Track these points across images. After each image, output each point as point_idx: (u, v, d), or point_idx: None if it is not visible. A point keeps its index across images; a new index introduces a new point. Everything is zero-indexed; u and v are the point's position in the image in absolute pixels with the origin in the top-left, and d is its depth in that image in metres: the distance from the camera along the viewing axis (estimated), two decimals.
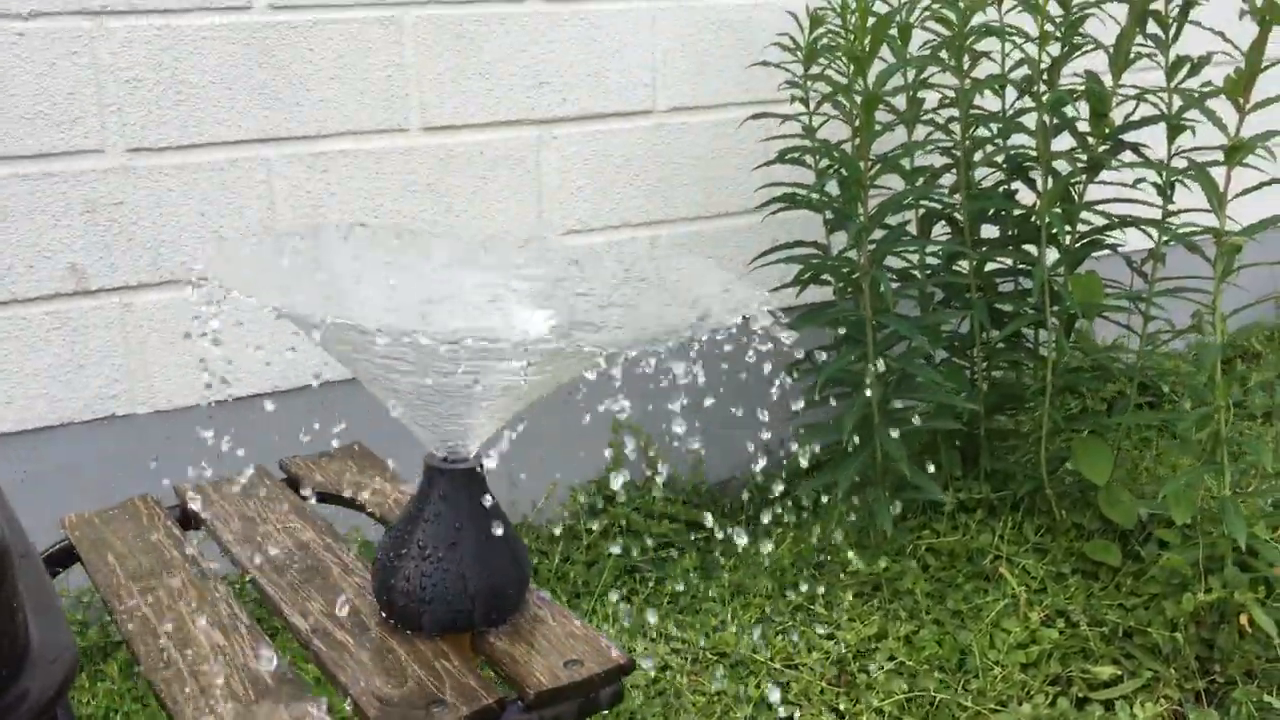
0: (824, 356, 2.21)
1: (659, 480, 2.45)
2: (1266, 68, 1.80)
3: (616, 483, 1.57)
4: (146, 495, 1.31)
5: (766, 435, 2.60)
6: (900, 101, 2.16)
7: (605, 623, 2.08)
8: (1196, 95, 1.90)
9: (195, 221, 2.01)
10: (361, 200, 2.12)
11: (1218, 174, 1.89)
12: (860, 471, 2.03)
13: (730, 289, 1.03)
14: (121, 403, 2.01)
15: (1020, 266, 2.23)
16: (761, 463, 2.62)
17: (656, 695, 1.85)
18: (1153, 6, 1.96)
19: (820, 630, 2.01)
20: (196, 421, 2.03)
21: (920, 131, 2.23)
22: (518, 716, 0.91)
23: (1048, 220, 2.03)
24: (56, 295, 1.94)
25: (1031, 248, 2.18)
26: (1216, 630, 1.95)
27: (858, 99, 1.85)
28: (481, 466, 1.02)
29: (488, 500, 0.99)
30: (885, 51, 2.10)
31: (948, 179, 2.19)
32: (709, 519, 2.34)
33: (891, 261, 2.21)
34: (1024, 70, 2.13)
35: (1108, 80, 2.07)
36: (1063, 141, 2.13)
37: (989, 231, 2.35)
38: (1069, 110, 2.07)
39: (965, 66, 2.10)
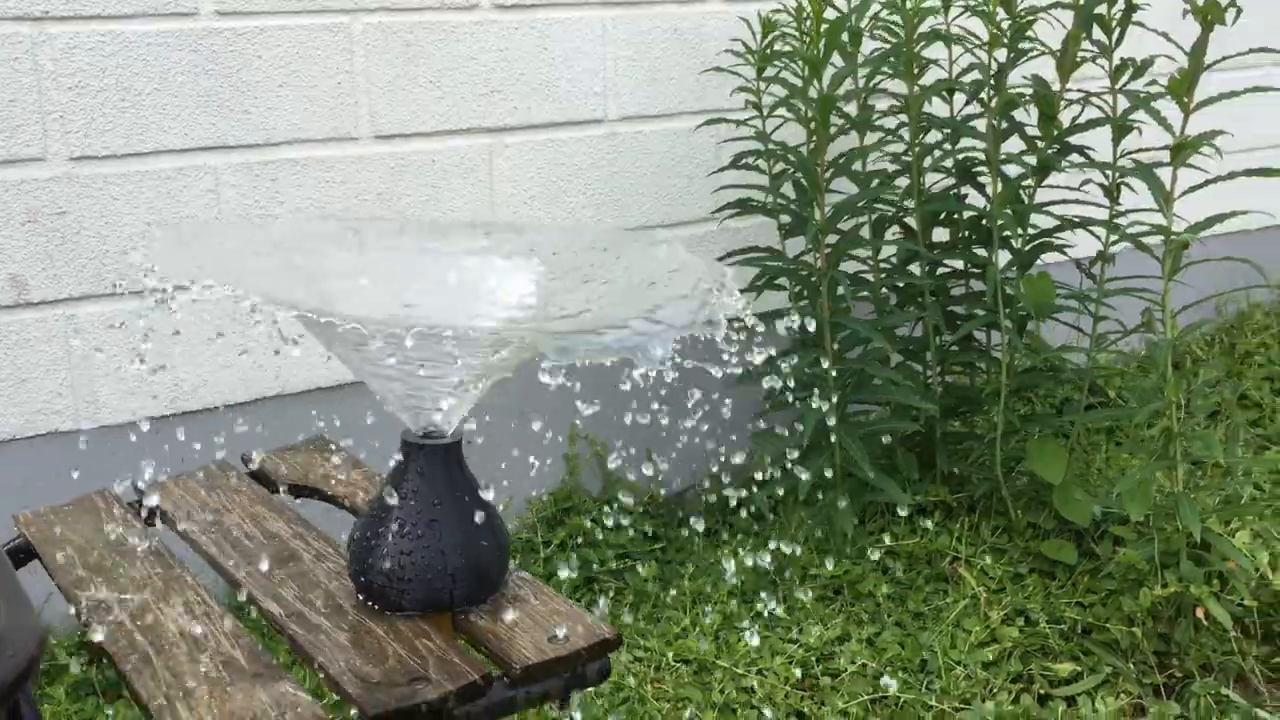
0: (783, 366, 2.21)
1: (619, 490, 2.43)
2: (1209, 66, 1.83)
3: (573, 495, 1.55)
4: (104, 490, 1.27)
5: (724, 444, 2.59)
6: (852, 108, 2.18)
7: None
8: (1142, 96, 1.93)
9: (141, 231, 1.96)
10: (312, 209, 2.09)
11: (1164, 174, 1.92)
12: (819, 475, 2.03)
13: (686, 265, 1.02)
14: (65, 418, 1.96)
15: (972, 270, 2.25)
16: (719, 471, 2.61)
17: (621, 702, 1.83)
18: (1097, 10, 1.99)
19: (783, 634, 2.00)
20: (144, 436, 1.99)
21: (872, 137, 2.24)
22: (504, 692, 0.89)
23: (999, 222, 2.05)
24: None
25: (983, 251, 2.20)
26: (1173, 625, 1.97)
27: (813, 101, 1.86)
28: (460, 442, 1.00)
29: (467, 476, 0.97)
30: (836, 59, 2.12)
31: (900, 184, 2.20)
32: (697, 525, 2.32)
33: (846, 267, 2.22)
34: (972, 76, 2.16)
35: (1055, 85, 2.10)
36: (1012, 145, 2.15)
37: (940, 236, 2.37)
38: (1018, 114, 2.09)
39: (915, 72, 2.12)
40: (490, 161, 2.25)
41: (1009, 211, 2.06)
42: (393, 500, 0.97)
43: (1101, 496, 2.20)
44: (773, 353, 2.26)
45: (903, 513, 2.17)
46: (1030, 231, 2.15)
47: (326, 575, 1.05)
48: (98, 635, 0.95)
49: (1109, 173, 2.09)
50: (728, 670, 1.91)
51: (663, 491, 2.52)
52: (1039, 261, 2.18)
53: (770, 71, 2.12)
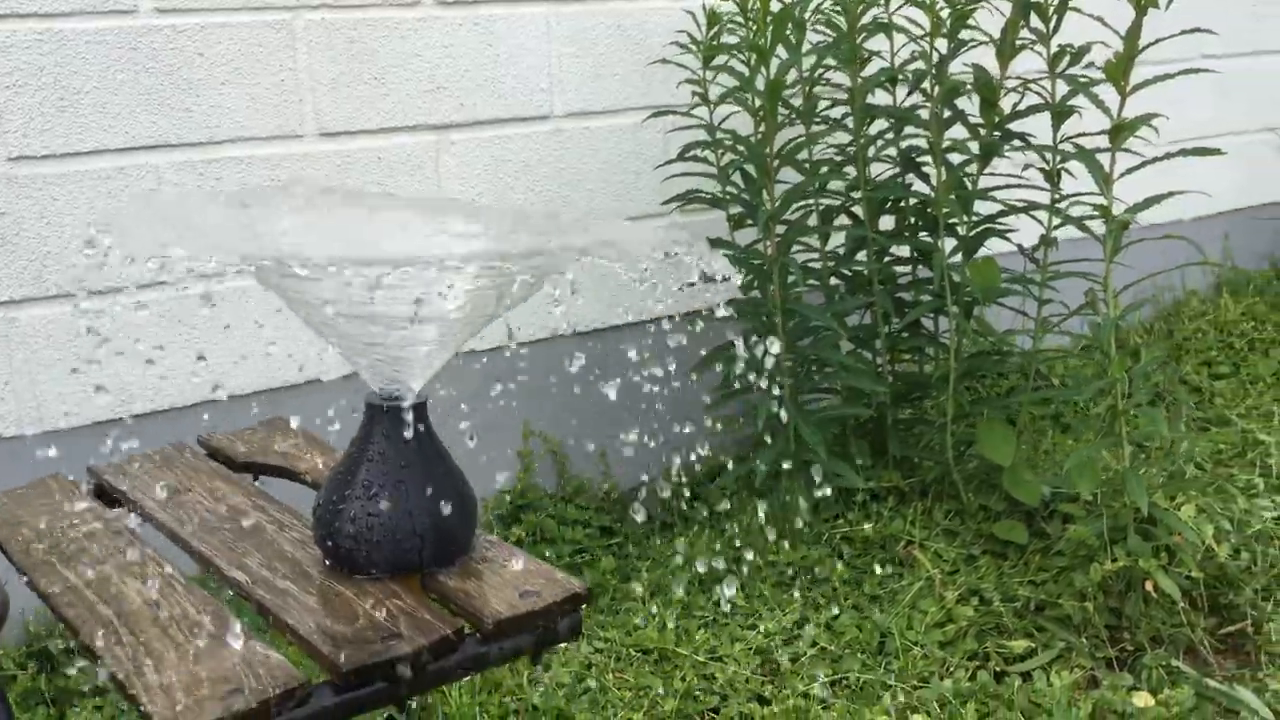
0: (737, 355, 2.22)
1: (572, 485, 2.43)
2: (1144, 49, 1.87)
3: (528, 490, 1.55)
4: (58, 474, 1.25)
5: (679, 437, 2.60)
6: (798, 99, 2.19)
7: None
8: (1082, 81, 1.97)
9: (81, 232, 1.93)
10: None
11: (1103, 157, 1.96)
12: (775, 462, 2.04)
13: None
14: (8, 423, 1.92)
15: (918, 257, 2.28)
16: (675, 464, 2.61)
17: (583, 693, 1.83)
18: None
19: (742, 621, 2.01)
20: (91, 440, 1.95)
21: (817, 128, 2.26)
22: (476, 648, 0.88)
23: (945, 209, 2.08)
24: None
25: (929, 238, 2.23)
26: (1123, 599, 2.00)
27: (760, 90, 1.88)
28: (426, 403, 0.99)
29: (433, 438, 0.96)
30: (781, 51, 2.14)
31: (847, 173, 2.23)
32: (642, 518, 2.32)
33: (795, 258, 2.24)
34: (914, 66, 2.19)
35: (996, 73, 2.13)
36: (955, 134, 2.18)
37: (886, 224, 2.39)
38: (960, 102, 2.12)
39: (858, 63, 2.15)
40: (437, 158, 2.24)
41: (954, 198, 2.09)
42: (358, 463, 0.96)
43: (1049, 477, 2.23)
44: (724, 344, 2.27)
45: (860, 494, 2.19)
46: (975, 218, 2.18)
47: (291, 544, 1.04)
48: (63, 613, 0.93)
49: (1049, 157, 2.13)
50: (688, 658, 1.91)
51: (619, 486, 2.52)
52: (984, 248, 2.22)
53: (716, 62, 2.13)
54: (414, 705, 0.89)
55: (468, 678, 1.30)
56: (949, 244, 2.17)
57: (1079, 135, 2.08)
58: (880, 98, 2.32)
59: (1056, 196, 2.14)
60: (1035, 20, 2.06)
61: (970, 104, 2.17)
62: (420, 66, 2.20)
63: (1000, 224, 2.18)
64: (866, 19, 2.13)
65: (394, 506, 0.96)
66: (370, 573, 0.98)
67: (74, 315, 1.94)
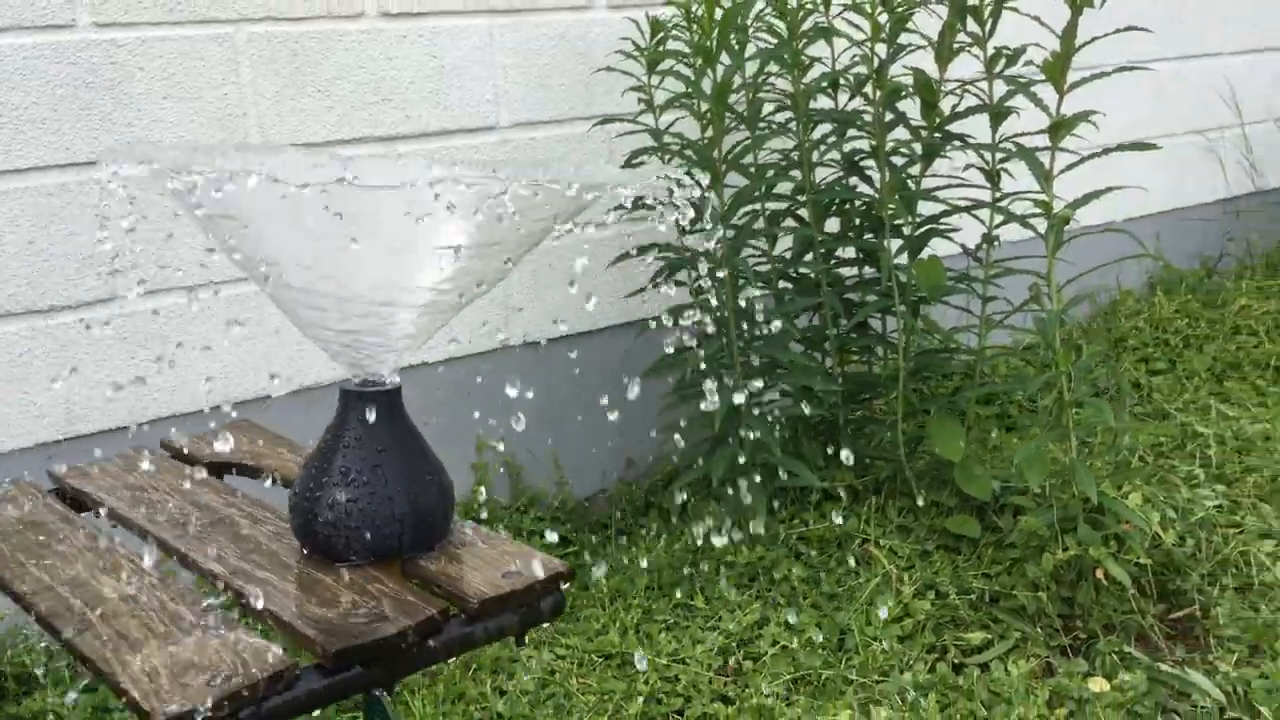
0: (691, 358, 2.24)
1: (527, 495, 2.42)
2: (1080, 47, 1.92)
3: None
4: (19, 479, 1.23)
5: (633, 444, 2.60)
6: (742, 105, 2.22)
7: None
8: (1021, 80, 2.01)
9: (23, 250, 1.90)
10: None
11: (1043, 156, 2.00)
12: (731, 465, 2.05)
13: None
14: None
15: (863, 258, 2.31)
16: (630, 470, 2.62)
17: (548, 699, 1.82)
18: (970, 2, 2.07)
19: (702, 623, 2.01)
20: (37, 463, 1.91)
21: (762, 134, 2.29)
22: (461, 628, 0.88)
23: (890, 210, 2.11)
24: None
25: (875, 239, 2.26)
26: (1075, 587, 2.04)
27: (706, 94, 1.90)
28: (400, 389, 0.99)
29: (408, 423, 0.96)
30: (724, 58, 2.16)
31: (794, 176, 2.25)
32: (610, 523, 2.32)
33: (744, 259, 2.26)
34: (856, 70, 2.22)
35: (936, 76, 2.17)
36: (896, 135, 2.22)
37: (832, 226, 2.42)
38: (902, 106, 2.16)
39: (799, 69, 2.18)
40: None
41: (898, 199, 2.12)
42: (334, 450, 0.95)
43: (998, 472, 2.27)
44: (676, 348, 2.29)
45: (814, 494, 2.21)
46: (919, 218, 2.21)
47: (267, 537, 1.03)
48: (39, 611, 0.91)
49: (988, 157, 2.17)
50: (651, 661, 1.91)
51: (574, 496, 2.52)
52: (928, 248, 2.25)
53: (661, 68, 2.15)
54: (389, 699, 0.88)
55: (453, 659, 1.28)
56: (894, 245, 2.20)
57: (1018, 135, 2.12)
58: (823, 102, 2.35)
59: (997, 195, 2.18)
60: (972, 24, 2.11)
61: (911, 106, 2.21)
62: (365, 78, 2.19)
63: (944, 224, 2.22)
64: (807, 25, 2.16)
65: (373, 492, 0.96)
66: (350, 560, 0.97)
67: (17, 335, 1.91)
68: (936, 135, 2.14)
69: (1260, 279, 3.59)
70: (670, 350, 2.23)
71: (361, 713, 0.96)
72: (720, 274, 1.97)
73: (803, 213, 2.29)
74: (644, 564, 2.18)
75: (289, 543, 1.03)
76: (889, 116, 2.18)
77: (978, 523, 2.18)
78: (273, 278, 0.89)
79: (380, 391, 0.99)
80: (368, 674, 0.84)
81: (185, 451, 1.25)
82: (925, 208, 2.23)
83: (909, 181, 2.17)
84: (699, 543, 2.20)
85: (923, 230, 2.21)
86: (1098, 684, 1.87)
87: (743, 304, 1.99)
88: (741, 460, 2.09)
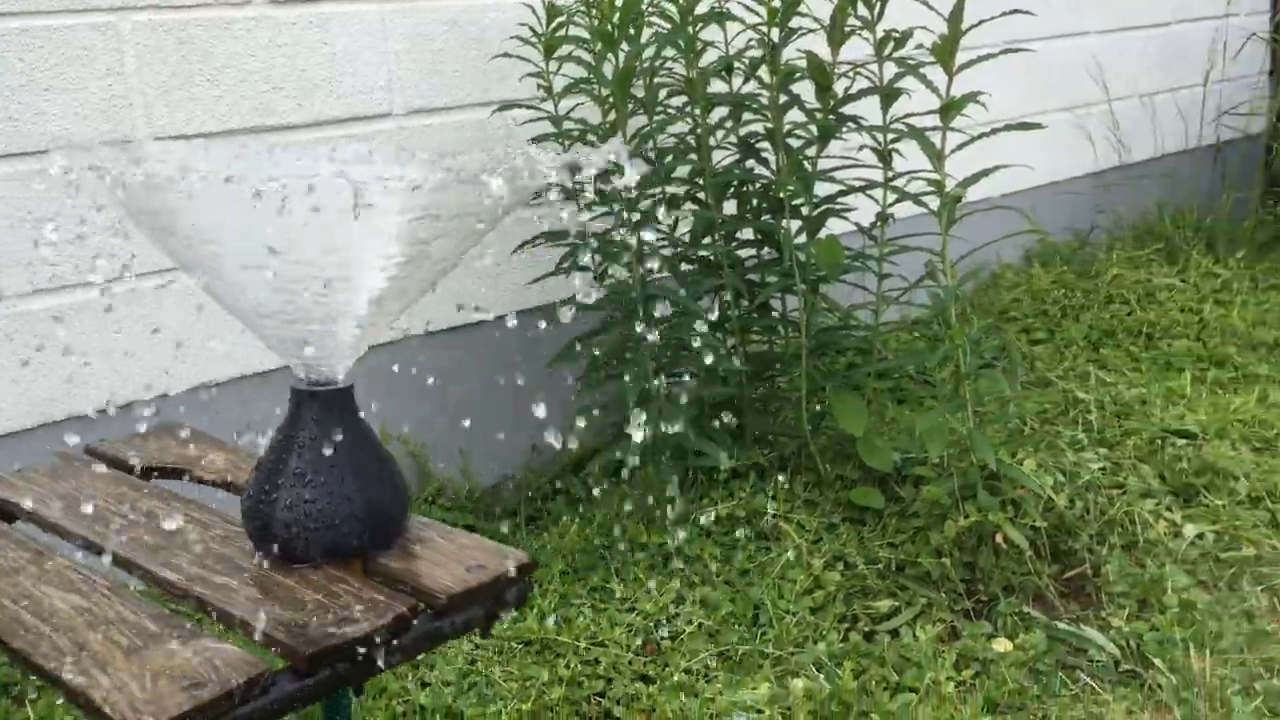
0: (599, 342, 2.24)
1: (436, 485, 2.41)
2: (967, 30, 1.98)
3: None
4: None
5: (541, 430, 2.60)
6: (639, 90, 2.23)
7: None
8: (910, 63, 2.06)
9: None
10: (92, 216, 1.99)
11: (935, 136, 2.06)
12: (645, 445, 2.07)
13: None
14: None
15: (762, 239, 2.35)
16: (534, 458, 2.62)
17: (470, 688, 1.82)
18: None
19: (619, 605, 2.03)
20: None
21: (662, 119, 2.31)
22: (430, 624, 0.88)
23: (790, 190, 2.15)
24: None
25: (774, 220, 2.30)
26: (976, 552, 2.11)
27: (607, 78, 1.90)
28: (352, 388, 0.98)
29: (361, 422, 0.95)
30: (624, 44, 2.17)
31: (692, 159, 2.28)
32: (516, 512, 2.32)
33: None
34: (750, 53, 2.25)
35: (829, 59, 2.22)
36: (791, 118, 2.26)
37: (730, 209, 2.46)
38: (795, 87, 2.20)
39: (695, 53, 2.20)
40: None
41: (796, 180, 2.16)
42: (287, 451, 0.94)
43: (897, 444, 2.33)
44: (584, 335, 2.29)
45: (722, 473, 2.24)
46: (816, 199, 2.26)
47: (218, 542, 1.01)
48: None
49: (880, 138, 2.23)
50: (570, 645, 1.93)
51: (481, 485, 2.51)
52: (825, 228, 2.30)
53: (560, 54, 2.15)
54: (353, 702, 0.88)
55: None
56: (793, 225, 2.24)
57: (908, 115, 2.18)
58: (717, 86, 2.37)
59: (889, 175, 2.24)
60: (863, 7, 2.16)
61: (805, 89, 2.25)
62: (255, 67, 2.14)
63: (840, 204, 2.27)
64: (702, 8, 2.18)
65: (331, 492, 0.95)
66: (309, 561, 0.96)
67: None
68: (831, 117, 2.19)
69: (1130, 250, 3.75)
70: (576, 336, 2.24)
71: (320, 708, 0.95)
72: (626, 258, 1.99)
73: (702, 195, 2.31)
74: (557, 549, 2.19)
75: (241, 545, 1.01)
76: (783, 99, 2.21)
77: (880, 494, 2.24)
78: (212, 275, 0.87)
79: (333, 390, 0.97)
80: (339, 675, 0.83)
81: (112, 456, 1.21)
82: (821, 188, 2.28)
83: (805, 163, 2.21)
84: (612, 526, 2.22)
85: (820, 210, 2.25)
86: (1001, 644, 1.94)
87: (648, 288, 2.01)
88: (650, 442, 2.11)
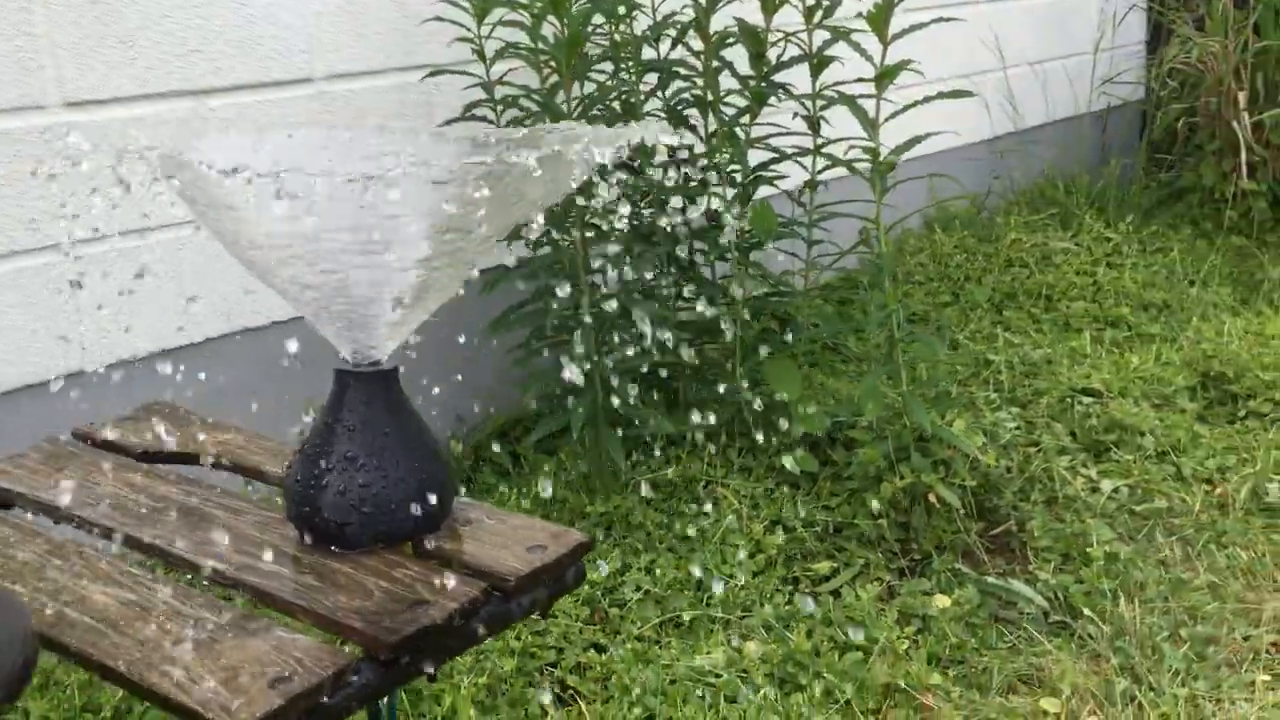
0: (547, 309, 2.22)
1: None
2: (900, 1, 2.00)
3: None
4: None
5: (477, 400, 2.57)
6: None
7: None
8: (842, 30, 2.08)
9: None
10: (1, 188, 1.89)
11: (869, 104, 2.08)
12: (588, 415, 2.06)
13: None
14: None
15: (691, 205, 2.35)
16: (460, 428, 2.59)
17: None
18: None
19: None
20: None
21: (589, 87, 2.28)
22: (499, 606, 0.86)
23: (727, 156, 2.15)
24: None
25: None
26: (910, 512, 2.17)
27: (549, 41, 1.88)
28: (398, 368, 0.95)
29: (406, 402, 0.92)
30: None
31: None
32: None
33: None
34: (677, 19, 2.24)
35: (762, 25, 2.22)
36: (725, 84, 2.26)
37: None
38: (726, 54, 2.20)
39: (623, 17, 2.18)
40: (195, 126, 2.11)
41: (731, 147, 2.16)
42: (333, 434, 0.91)
43: (828, 408, 2.37)
44: (521, 305, 2.26)
45: (659, 440, 2.25)
46: (748, 166, 2.27)
47: (254, 528, 0.97)
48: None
49: (810, 105, 2.25)
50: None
51: None
52: (756, 195, 2.31)
53: (490, 18, 2.11)
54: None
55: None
56: (728, 193, 2.25)
57: (837, 83, 2.20)
58: (646, 53, 2.36)
59: (820, 142, 2.26)
60: None
61: (735, 56, 2.25)
62: (171, 28, 2.05)
63: (770, 171, 2.28)
64: None
65: (384, 476, 0.92)
66: (360, 546, 0.93)
67: None
68: (763, 84, 2.20)
69: (1026, 214, 3.86)
70: (512, 305, 2.21)
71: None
72: (569, 225, 1.97)
73: (631, 162, 2.30)
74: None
75: (281, 532, 0.97)
76: (717, 65, 2.21)
77: (815, 458, 2.28)
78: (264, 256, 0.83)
79: (379, 372, 0.94)
80: (415, 662, 0.81)
81: (106, 440, 1.14)
82: (753, 155, 2.29)
83: (739, 130, 2.22)
84: (548, 494, 2.21)
85: (752, 177, 2.26)
86: (940, 601, 2.00)
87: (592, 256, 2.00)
88: (588, 411, 2.11)
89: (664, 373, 2.27)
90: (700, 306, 2.14)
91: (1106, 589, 2.00)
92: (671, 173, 1.97)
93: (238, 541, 0.96)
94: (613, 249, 2.07)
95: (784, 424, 2.33)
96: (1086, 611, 1.97)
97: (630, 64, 2.18)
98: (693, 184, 2.34)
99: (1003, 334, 3.13)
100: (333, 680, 0.77)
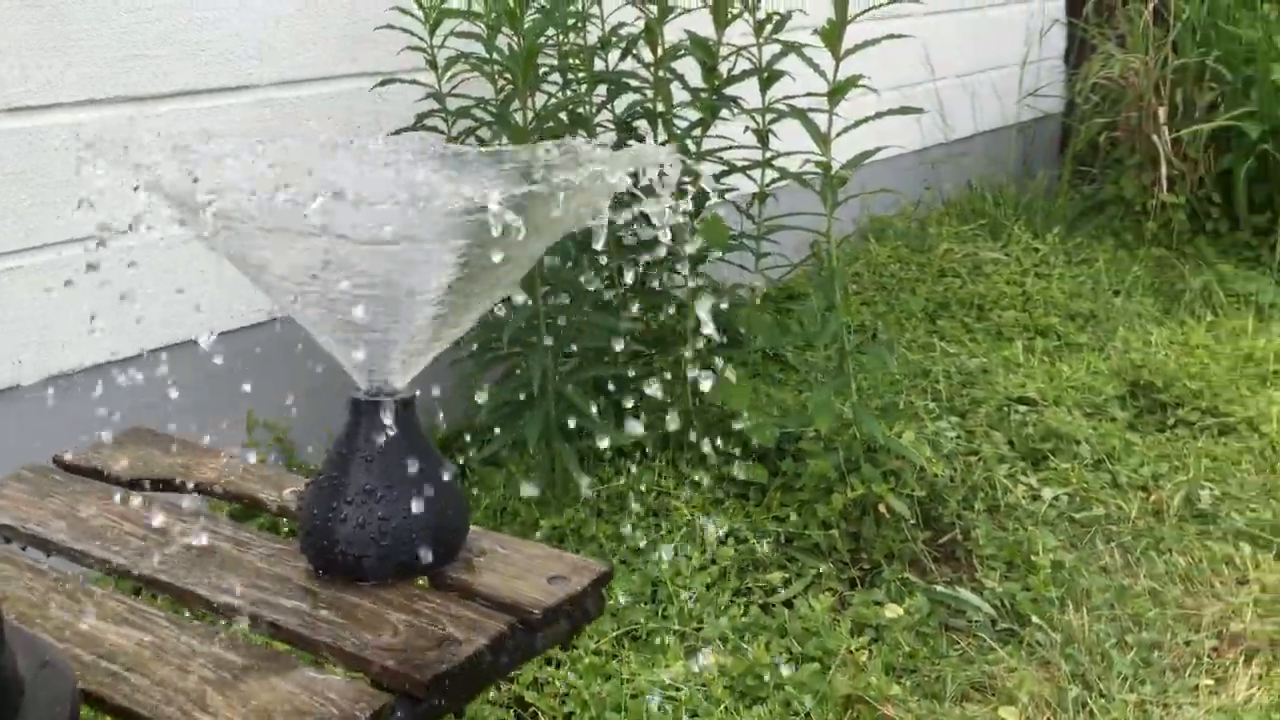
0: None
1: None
2: (854, 18, 2.03)
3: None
4: None
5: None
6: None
7: None
8: (797, 46, 2.10)
9: None
10: None
11: (820, 119, 2.10)
12: (544, 425, 2.05)
13: None
14: None
15: (642, 216, 2.35)
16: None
17: None
18: None
19: None
20: None
21: (539, 100, 2.27)
22: (523, 640, 0.84)
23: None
24: None
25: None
26: (860, 523, 2.19)
27: (506, 53, 1.87)
28: (414, 398, 0.93)
29: (422, 431, 0.90)
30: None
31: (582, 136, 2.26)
32: None
33: None
34: (627, 30, 2.25)
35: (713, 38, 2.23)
36: (676, 97, 2.27)
37: None
38: (678, 66, 2.21)
39: (574, 29, 2.18)
40: (138, 134, 2.05)
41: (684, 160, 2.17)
42: (348, 465, 0.88)
43: (775, 419, 2.39)
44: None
45: (608, 451, 2.24)
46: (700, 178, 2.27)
47: (262, 560, 0.94)
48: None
49: (759, 119, 2.26)
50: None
51: None
52: (706, 207, 2.32)
53: (442, 29, 2.09)
54: None
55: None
56: (680, 206, 2.25)
57: (789, 97, 2.22)
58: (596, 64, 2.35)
59: (768, 155, 2.28)
60: None
61: (687, 68, 2.26)
62: (114, 32, 2.00)
63: (722, 184, 2.29)
64: None
65: (404, 508, 0.90)
66: (381, 576, 0.91)
67: None
68: (714, 97, 2.21)
69: (956, 225, 3.93)
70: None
71: None
72: None
73: None
74: None
75: (291, 564, 0.94)
76: (664, 75, 2.22)
77: (765, 469, 2.29)
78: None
79: (397, 401, 0.92)
80: (443, 701, 0.79)
81: (91, 468, 1.10)
82: (705, 168, 2.30)
83: (690, 143, 2.22)
84: (503, 508, 2.19)
85: (703, 190, 2.27)
86: (892, 610, 2.03)
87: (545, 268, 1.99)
88: (541, 423, 2.10)
89: (612, 385, 2.27)
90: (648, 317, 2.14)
91: (1053, 596, 2.04)
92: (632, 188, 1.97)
93: (248, 575, 0.93)
94: (566, 261, 2.07)
95: (733, 435, 2.34)
96: (1035, 619, 2.01)
97: (582, 75, 2.18)
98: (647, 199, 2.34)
99: (939, 343, 3.18)
100: None
